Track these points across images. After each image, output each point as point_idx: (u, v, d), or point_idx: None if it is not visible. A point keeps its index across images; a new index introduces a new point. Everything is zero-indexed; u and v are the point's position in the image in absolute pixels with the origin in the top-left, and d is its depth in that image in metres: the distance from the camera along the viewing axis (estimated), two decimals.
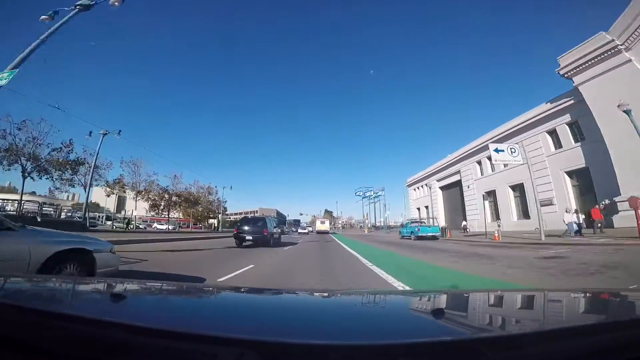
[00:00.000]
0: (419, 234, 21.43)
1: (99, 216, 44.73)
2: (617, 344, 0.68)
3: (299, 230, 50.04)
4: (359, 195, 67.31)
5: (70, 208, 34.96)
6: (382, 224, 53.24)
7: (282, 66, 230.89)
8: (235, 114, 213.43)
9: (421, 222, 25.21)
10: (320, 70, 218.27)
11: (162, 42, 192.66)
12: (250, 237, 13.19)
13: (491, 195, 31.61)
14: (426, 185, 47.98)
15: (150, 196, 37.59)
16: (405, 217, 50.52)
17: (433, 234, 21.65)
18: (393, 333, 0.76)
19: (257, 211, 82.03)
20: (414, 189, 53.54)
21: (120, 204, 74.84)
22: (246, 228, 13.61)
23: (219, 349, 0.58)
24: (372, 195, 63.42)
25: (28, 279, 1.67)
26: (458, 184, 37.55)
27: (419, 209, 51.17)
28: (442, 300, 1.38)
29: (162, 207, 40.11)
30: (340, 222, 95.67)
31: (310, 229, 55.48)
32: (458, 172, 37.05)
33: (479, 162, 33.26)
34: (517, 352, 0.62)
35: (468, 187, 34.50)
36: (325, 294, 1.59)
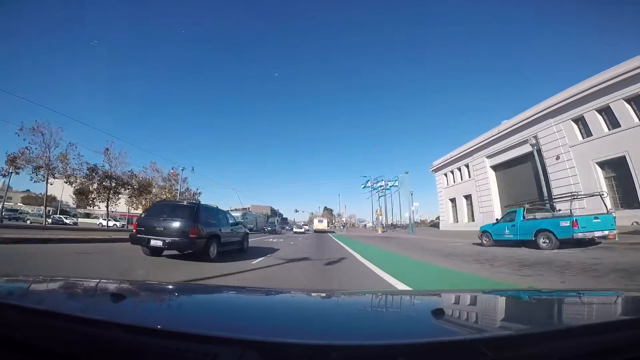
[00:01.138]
0: (577, 234, 9.04)
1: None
2: (617, 344, 0.67)
3: (295, 229, 43.58)
4: (367, 187, 54.74)
5: None
6: (408, 221, 40.62)
7: (279, 50, 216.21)
8: (225, 104, 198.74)
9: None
10: (322, 54, 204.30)
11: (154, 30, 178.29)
12: (160, 242, 6.36)
13: (609, 167, 19.48)
14: (465, 166, 35.62)
15: (68, 178, 24.90)
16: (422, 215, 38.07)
17: (604, 232, 9.30)
18: (393, 333, 0.76)
19: (248, 208, 75.00)
20: (444, 174, 41.13)
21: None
22: (154, 224, 6.63)
23: (220, 349, 0.57)
24: (384, 186, 51.11)
25: (28, 279, 1.55)
26: (527, 158, 25.24)
27: (452, 200, 38.98)
28: (442, 300, 1.37)
29: (92, 193, 27.36)
30: (341, 220, 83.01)
31: (307, 227, 51.43)
32: (534, 137, 24.57)
33: (577, 120, 21.02)
34: (517, 352, 0.62)
35: (557, 158, 22.21)
36: (325, 294, 1.59)
